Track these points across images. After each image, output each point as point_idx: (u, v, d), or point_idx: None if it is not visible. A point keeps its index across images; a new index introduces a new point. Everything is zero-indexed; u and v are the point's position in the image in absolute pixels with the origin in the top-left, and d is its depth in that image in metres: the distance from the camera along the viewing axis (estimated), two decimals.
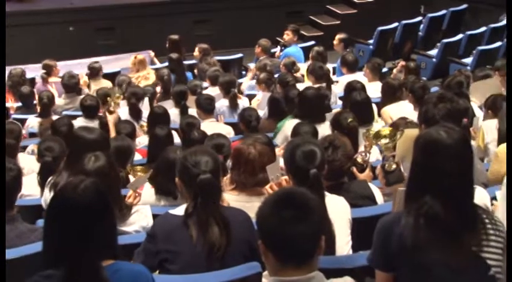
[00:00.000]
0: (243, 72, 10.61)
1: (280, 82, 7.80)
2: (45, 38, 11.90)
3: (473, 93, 6.62)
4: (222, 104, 7.67)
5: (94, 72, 9.31)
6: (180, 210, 3.13)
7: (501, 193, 3.51)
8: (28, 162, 5.14)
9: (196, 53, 10.06)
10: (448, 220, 2.50)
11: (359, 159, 4.25)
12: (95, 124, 6.57)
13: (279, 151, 4.62)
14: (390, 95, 6.94)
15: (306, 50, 10.14)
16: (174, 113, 7.14)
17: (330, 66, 9.15)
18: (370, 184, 4.05)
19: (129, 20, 12.61)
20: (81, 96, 7.81)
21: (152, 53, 11.00)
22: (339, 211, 3.36)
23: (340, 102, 7.60)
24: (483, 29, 11.26)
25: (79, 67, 9.96)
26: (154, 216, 3.65)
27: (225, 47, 11.90)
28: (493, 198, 3.62)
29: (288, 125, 5.95)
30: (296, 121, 5.79)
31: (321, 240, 2.33)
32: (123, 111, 7.23)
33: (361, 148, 4.58)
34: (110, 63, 10.79)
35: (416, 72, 8.43)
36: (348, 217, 3.42)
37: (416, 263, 2.52)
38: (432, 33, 12.05)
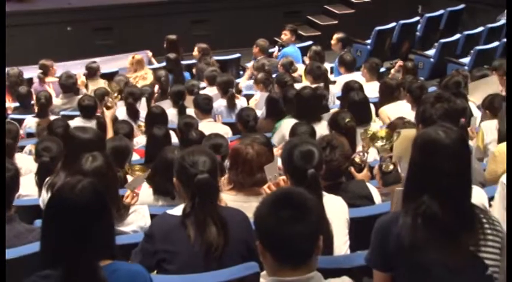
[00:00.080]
0: (241, 72, 10.61)
1: (278, 82, 7.80)
2: (43, 38, 11.88)
3: (471, 92, 6.63)
4: (219, 104, 7.67)
5: (92, 72, 9.31)
6: (177, 210, 3.13)
7: (497, 192, 3.51)
8: (26, 162, 5.14)
9: (195, 52, 10.06)
10: (446, 220, 2.50)
11: (357, 159, 4.24)
12: (92, 124, 6.56)
13: (276, 151, 4.62)
14: (388, 94, 6.94)
15: (304, 50, 10.14)
16: (172, 113, 7.14)
17: (327, 66, 9.15)
18: (368, 184, 4.06)
19: (127, 20, 12.60)
20: (79, 97, 7.79)
21: (150, 53, 11.00)
22: (336, 211, 3.36)
23: (338, 102, 7.60)
24: (480, 29, 11.26)
25: (77, 67, 9.95)
26: (152, 216, 3.65)
27: (223, 47, 11.90)
28: (491, 198, 3.62)
29: (285, 124, 5.96)
30: (292, 121, 5.80)
31: (319, 240, 2.33)
32: (120, 111, 7.22)
33: (359, 148, 4.58)
34: (108, 63, 10.79)
35: (414, 72, 8.44)
36: (345, 217, 3.42)
37: (414, 263, 2.52)
38: (430, 33, 12.05)
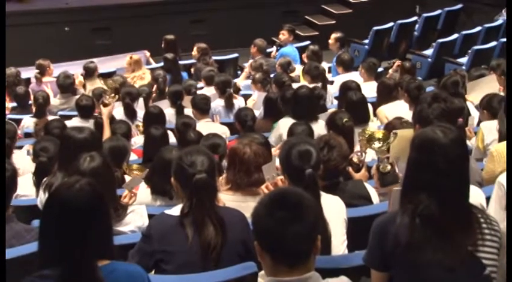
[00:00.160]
0: (239, 72, 10.61)
1: (276, 82, 7.80)
2: (40, 39, 11.87)
3: (470, 92, 6.64)
4: (217, 104, 7.67)
5: (89, 72, 9.30)
6: (175, 211, 3.13)
7: (494, 192, 3.51)
8: (23, 163, 5.13)
9: (194, 52, 10.06)
10: (444, 220, 2.51)
11: (355, 159, 4.25)
12: (90, 124, 6.56)
13: (274, 151, 4.62)
14: (386, 94, 6.94)
15: (302, 50, 10.15)
16: (169, 113, 7.14)
17: (325, 65, 9.15)
18: (365, 184, 4.06)
19: (124, 20, 12.60)
20: (77, 97, 7.79)
21: (148, 53, 11.00)
22: (334, 211, 3.36)
23: (336, 102, 7.60)
24: (478, 28, 11.27)
25: (75, 67, 9.94)
26: (150, 216, 3.65)
27: (221, 47, 11.90)
28: (488, 198, 3.62)
29: (281, 123, 5.96)
30: (289, 120, 5.81)
31: (317, 240, 2.33)
32: (117, 111, 7.22)
33: (357, 148, 4.58)
34: (106, 63, 10.79)
35: (411, 71, 8.44)
36: (343, 217, 3.43)
37: (412, 263, 2.52)
38: (427, 33, 12.06)
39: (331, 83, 8.47)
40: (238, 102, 7.90)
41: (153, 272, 3.09)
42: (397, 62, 8.96)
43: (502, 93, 6.02)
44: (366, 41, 11.37)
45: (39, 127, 6.55)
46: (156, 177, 4.14)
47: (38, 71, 9.28)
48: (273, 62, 9.65)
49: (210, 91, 8.04)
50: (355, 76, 8.32)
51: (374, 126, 5.79)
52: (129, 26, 12.49)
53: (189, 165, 3.09)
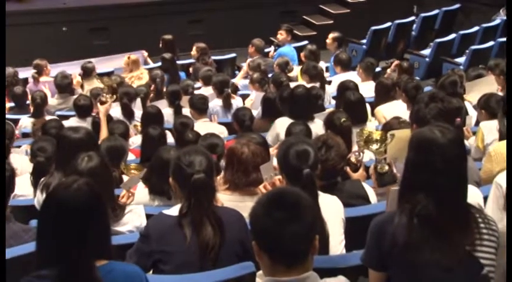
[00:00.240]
0: (236, 72, 10.61)
1: (274, 82, 7.80)
2: (38, 38, 11.87)
3: (469, 92, 6.64)
4: (215, 104, 7.67)
5: (87, 73, 9.29)
6: (174, 211, 3.13)
7: (491, 192, 3.52)
8: (21, 162, 5.13)
9: (193, 52, 10.06)
10: (442, 219, 2.51)
11: (352, 159, 4.25)
12: (88, 124, 6.56)
13: (272, 151, 4.62)
14: (384, 94, 6.95)
15: (300, 50, 10.15)
16: (167, 113, 7.14)
17: (322, 65, 9.15)
18: (363, 184, 4.06)
19: (122, 20, 12.59)
20: (74, 96, 7.79)
21: (146, 53, 10.99)
22: (332, 210, 3.36)
23: (333, 102, 7.60)
24: (476, 28, 11.28)
25: (73, 67, 9.94)
26: (148, 216, 3.65)
27: (219, 47, 11.90)
28: (486, 197, 3.63)
29: (278, 123, 5.97)
30: (286, 119, 5.81)
31: (315, 240, 2.33)
32: (115, 111, 7.22)
33: (355, 148, 4.58)
34: (103, 63, 10.78)
35: (409, 71, 8.44)
36: (341, 216, 3.42)
37: (409, 262, 2.52)
38: (425, 33, 12.08)
39: (329, 82, 8.47)
40: (236, 102, 7.90)
41: (151, 272, 3.09)
42: (396, 62, 8.96)
43: (500, 93, 6.03)
44: (364, 41, 11.38)
45: (36, 127, 6.54)
46: (154, 177, 4.13)
47: (35, 70, 9.28)
48: (271, 61, 9.65)
49: (207, 91, 8.04)
50: (353, 76, 8.33)
51: (372, 126, 5.79)
52: (126, 26, 12.49)
53: (188, 165, 3.09)
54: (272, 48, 10.72)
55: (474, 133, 5.40)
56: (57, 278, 2.29)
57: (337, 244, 3.31)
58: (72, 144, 4.05)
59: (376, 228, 2.64)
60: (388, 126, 4.96)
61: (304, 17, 13.82)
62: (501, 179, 3.47)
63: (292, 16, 13.48)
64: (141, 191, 4.15)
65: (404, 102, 6.49)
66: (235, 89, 8.74)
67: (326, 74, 8.87)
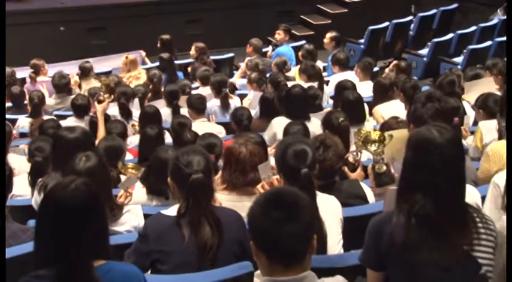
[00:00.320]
0: (234, 72, 10.61)
1: (272, 82, 7.80)
2: (36, 38, 11.86)
3: (467, 93, 6.65)
4: (213, 103, 7.67)
5: (85, 72, 9.29)
6: (172, 211, 3.13)
7: (489, 192, 3.52)
8: (18, 162, 5.13)
9: (192, 51, 10.06)
10: (440, 219, 2.51)
11: (350, 159, 4.25)
12: (85, 124, 6.56)
13: (270, 150, 4.62)
14: (381, 94, 6.96)
15: (297, 50, 10.15)
16: (165, 113, 7.14)
17: (320, 64, 9.15)
18: (361, 183, 4.06)
19: (120, 20, 12.60)
20: (72, 96, 7.78)
21: (143, 53, 10.99)
22: (330, 210, 3.36)
23: (331, 102, 7.60)
24: (473, 28, 11.28)
25: (70, 67, 9.93)
26: (146, 216, 3.65)
27: (217, 47, 11.88)
28: (484, 197, 3.63)
29: (275, 122, 5.98)
30: (282, 119, 5.82)
31: (313, 240, 2.33)
32: (113, 111, 7.21)
33: (353, 147, 4.58)
34: (101, 63, 10.78)
35: (407, 71, 8.44)
36: (339, 216, 3.43)
37: (407, 262, 2.53)
38: (423, 33, 12.08)
39: (327, 82, 8.47)
40: (234, 101, 7.90)
41: (149, 272, 3.09)
42: (395, 62, 8.96)
43: (498, 93, 6.03)
44: (362, 41, 11.38)
45: (34, 127, 6.53)
46: (152, 177, 4.13)
47: (32, 70, 9.27)
48: (269, 61, 9.66)
49: (205, 91, 8.04)
50: (350, 75, 8.33)
51: (370, 126, 5.79)
52: (124, 26, 12.49)
53: (186, 165, 3.09)
54: (270, 48, 10.74)
55: (472, 133, 5.40)
56: (55, 277, 2.29)
57: (335, 244, 3.32)
58: (69, 144, 4.05)
59: (374, 228, 2.64)
60: (386, 126, 4.97)
61: (302, 16, 13.83)
62: (499, 178, 3.47)
63: (289, 16, 13.49)
64: (139, 191, 4.15)
65: (402, 101, 6.50)
66: (234, 88, 8.74)
67: (323, 74, 8.87)
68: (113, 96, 7.17)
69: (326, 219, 3.22)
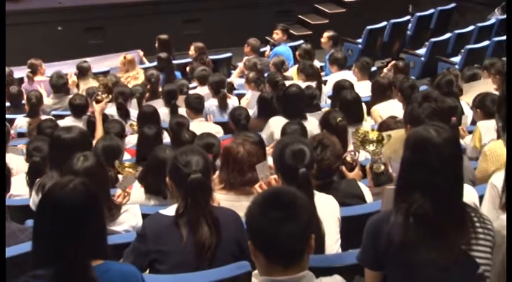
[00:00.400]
0: (232, 72, 10.61)
1: (269, 81, 7.80)
2: (33, 38, 11.85)
3: (466, 93, 6.66)
4: (211, 103, 7.67)
5: (83, 72, 9.28)
6: (170, 211, 3.13)
7: (487, 192, 3.52)
8: (16, 162, 5.13)
9: (191, 51, 10.05)
10: (437, 219, 2.51)
11: (348, 158, 4.25)
12: (83, 123, 6.55)
13: (268, 150, 4.62)
14: (380, 93, 6.95)
15: (295, 49, 10.15)
16: (164, 113, 7.13)
17: (317, 64, 9.15)
18: (359, 183, 4.06)
19: (118, 20, 12.59)
20: (70, 96, 7.78)
21: (141, 53, 10.98)
22: (328, 210, 3.36)
23: (329, 101, 7.61)
24: (471, 28, 11.29)
25: (68, 67, 9.92)
26: (144, 215, 3.64)
27: (214, 46, 11.88)
28: (481, 197, 3.63)
29: (272, 122, 5.98)
30: (279, 118, 5.82)
31: (311, 240, 2.33)
32: (111, 110, 7.21)
33: (351, 147, 4.59)
34: (99, 63, 10.77)
35: (405, 71, 8.45)
36: (337, 216, 3.43)
37: (405, 262, 2.53)
38: (420, 32, 12.09)
39: (324, 82, 8.47)
40: (232, 101, 7.89)
41: (147, 271, 3.09)
42: (393, 61, 8.96)
43: (496, 93, 6.04)
44: (359, 40, 11.39)
45: (32, 127, 6.53)
46: (150, 176, 4.13)
47: (29, 70, 9.26)
48: (267, 61, 9.66)
49: (203, 91, 8.04)
50: (348, 75, 8.33)
51: (368, 126, 5.79)
52: (122, 26, 12.49)
53: (184, 165, 3.09)
54: (268, 47, 10.73)
55: (470, 132, 5.41)
56: (53, 277, 2.29)
57: (332, 243, 3.32)
58: (66, 144, 4.05)
59: (372, 227, 2.64)
60: (384, 126, 4.98)
61: (300, 16, 13.83)
62: (496, 179, 3.47)
63: (287, 15, 13.50)
64: (137, 191, 4.15)
65: (400, 101, 6.50)
66: (231, 88, 8.73)
67: (321, 74, 8.87)
68: (110, 96, 7.16)
69: (324, 218, 3.22)
